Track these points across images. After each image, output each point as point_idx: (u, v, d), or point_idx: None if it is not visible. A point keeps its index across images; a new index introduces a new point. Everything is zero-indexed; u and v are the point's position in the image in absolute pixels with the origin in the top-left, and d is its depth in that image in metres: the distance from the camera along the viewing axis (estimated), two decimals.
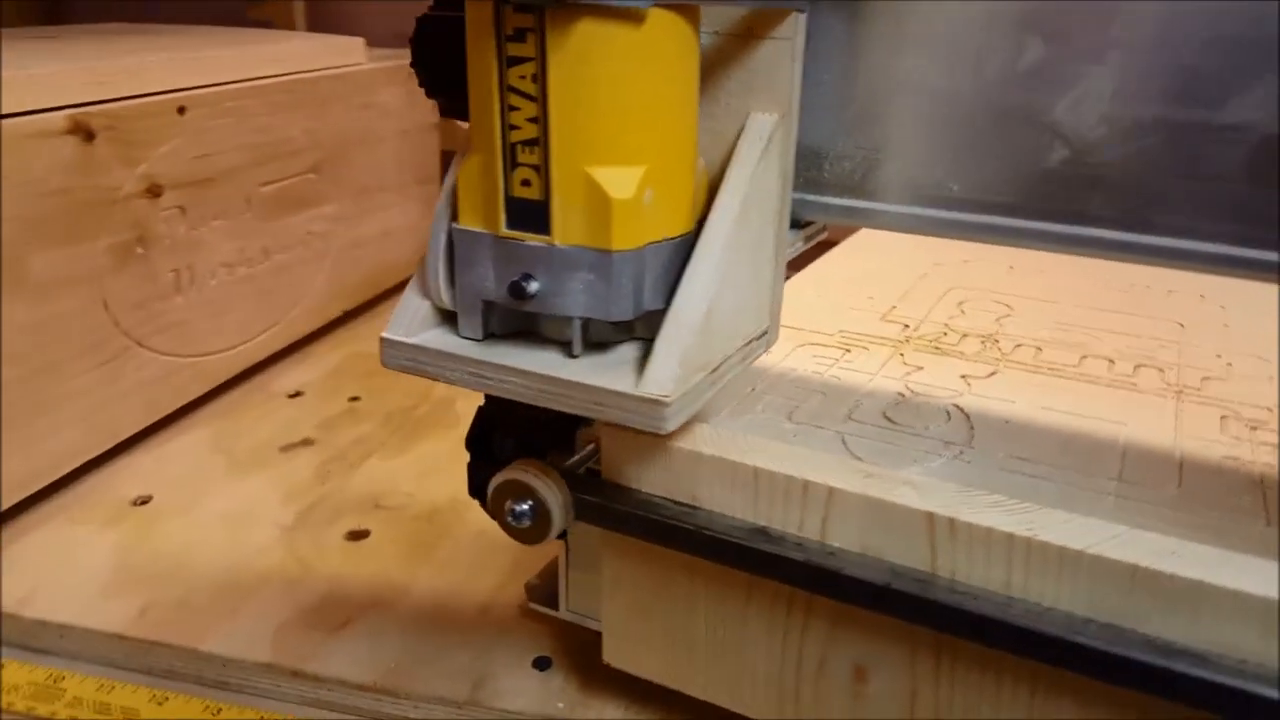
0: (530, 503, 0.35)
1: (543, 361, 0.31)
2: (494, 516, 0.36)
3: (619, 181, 0.29)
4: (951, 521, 0.30)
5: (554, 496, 0.34)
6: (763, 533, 0.33)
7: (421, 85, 0.45)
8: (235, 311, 0.64)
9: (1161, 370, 0.45)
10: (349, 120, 0.72)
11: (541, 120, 0.28)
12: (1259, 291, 0.58)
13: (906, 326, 0.50)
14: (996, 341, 0.48)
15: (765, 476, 0.33)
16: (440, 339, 0.32)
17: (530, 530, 0.35)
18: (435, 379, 0.32)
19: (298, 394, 0.67)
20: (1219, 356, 0.47)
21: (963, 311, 0.52)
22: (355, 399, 0.67)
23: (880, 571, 0.31)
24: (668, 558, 0.35)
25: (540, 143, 0.28)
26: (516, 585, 0.47)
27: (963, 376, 0.44)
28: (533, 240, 0.29)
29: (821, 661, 0.34)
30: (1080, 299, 0.55)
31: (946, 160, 0.34)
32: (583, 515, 0.35)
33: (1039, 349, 0.47)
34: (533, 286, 0.30)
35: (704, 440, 0.34)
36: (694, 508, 0.34)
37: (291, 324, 0.70)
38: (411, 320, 0.32)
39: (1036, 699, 0.31)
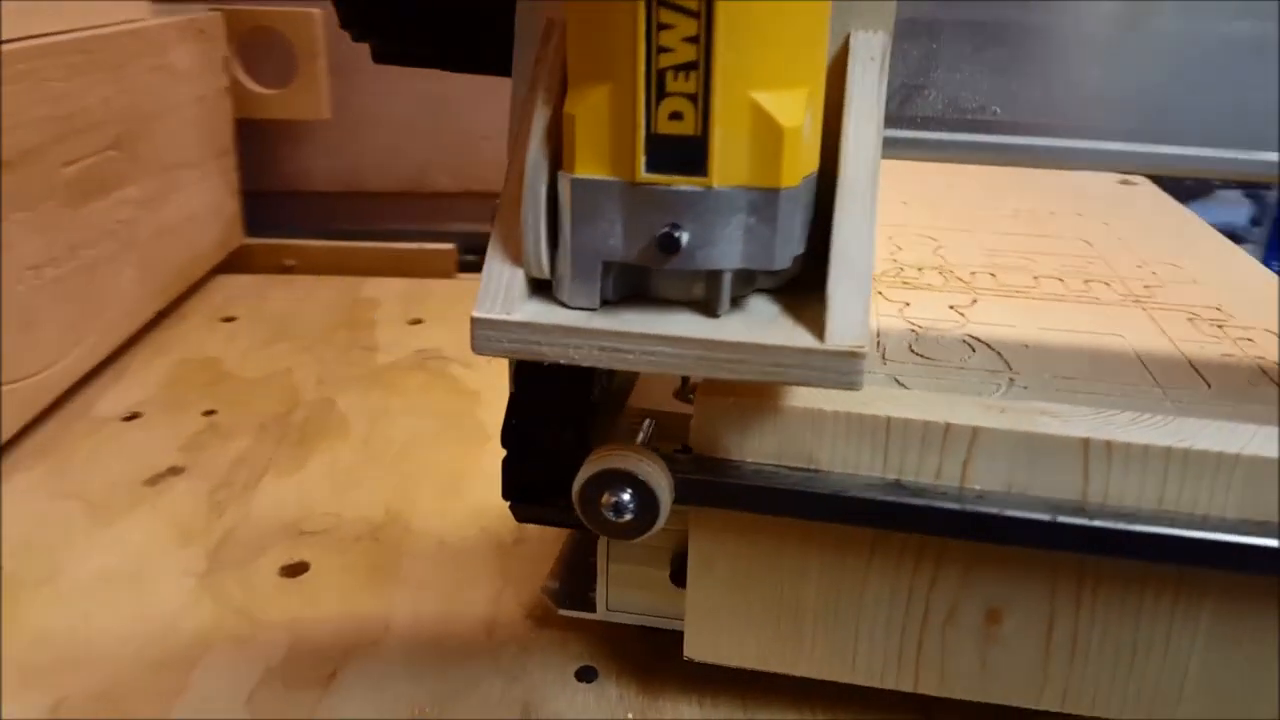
0: (631, 491, 0.30)
1: (687, 325, 0.27)
2: (583, 513, 0.31)
3: (785, 107, 0.25)
4: (1108, 444, 0.29)
5: (660, 481, 0.30)
6: (899, 486, 0.31)
7: (343, 19, 0.38)
8: (47, 323, 0.52)
9: (1107, 284, 0.48)
10: (143, 86, 0.60)
11: (702, 39, 0.24)
12: (1126, 206, 0.63)
13: None
14: (952, 272, 0.48)
15: (899, 426, 0.30)
16: (547, 313, 0.27)
17: (633, 523, 0.30)
18: (549, 359, 0.27)
19: (134, 415, 0.56)
20: (1140, 266, 0.50)
21: (899, 247, 0.52)
22: (211, 412, 0.57)
23: (1042, 507, 0.30)
24: (778, 530, 0.32)
25: (699, 66, 0.24)
26: (512, 594, 0.42)
27: (951, 307, 0.44)
28: (682, 184, 0.25)
29: (951, 610, 0.32)
30: (988, 226, 0.56)
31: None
32: (687, 496, 0.31)
33: (993, 274, 0.48)
34: (684, 238, 0.25)
35: (820, 396, 0.31)
36: (814, 470, 0.31)
37: (106, 332, 0.58)
38: (506, 294, 0.27)
39: (1178, 607, 0.31)
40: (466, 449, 0.53)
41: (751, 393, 0.31)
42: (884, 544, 0.32)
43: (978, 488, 0.30)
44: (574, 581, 0.40)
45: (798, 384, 0.26)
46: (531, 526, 0.46)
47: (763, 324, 0.27)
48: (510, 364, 0.35)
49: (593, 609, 0.38)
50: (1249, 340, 0.42)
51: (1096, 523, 0.29)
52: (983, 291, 0.46)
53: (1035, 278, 0.48)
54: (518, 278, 0.27)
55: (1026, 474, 0.30)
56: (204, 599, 0.42)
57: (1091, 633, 0.32)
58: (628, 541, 0.32)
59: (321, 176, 0.83)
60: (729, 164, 0.25)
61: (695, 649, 0.35)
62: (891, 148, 0.30)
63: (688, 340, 0.26)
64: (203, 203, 0.70)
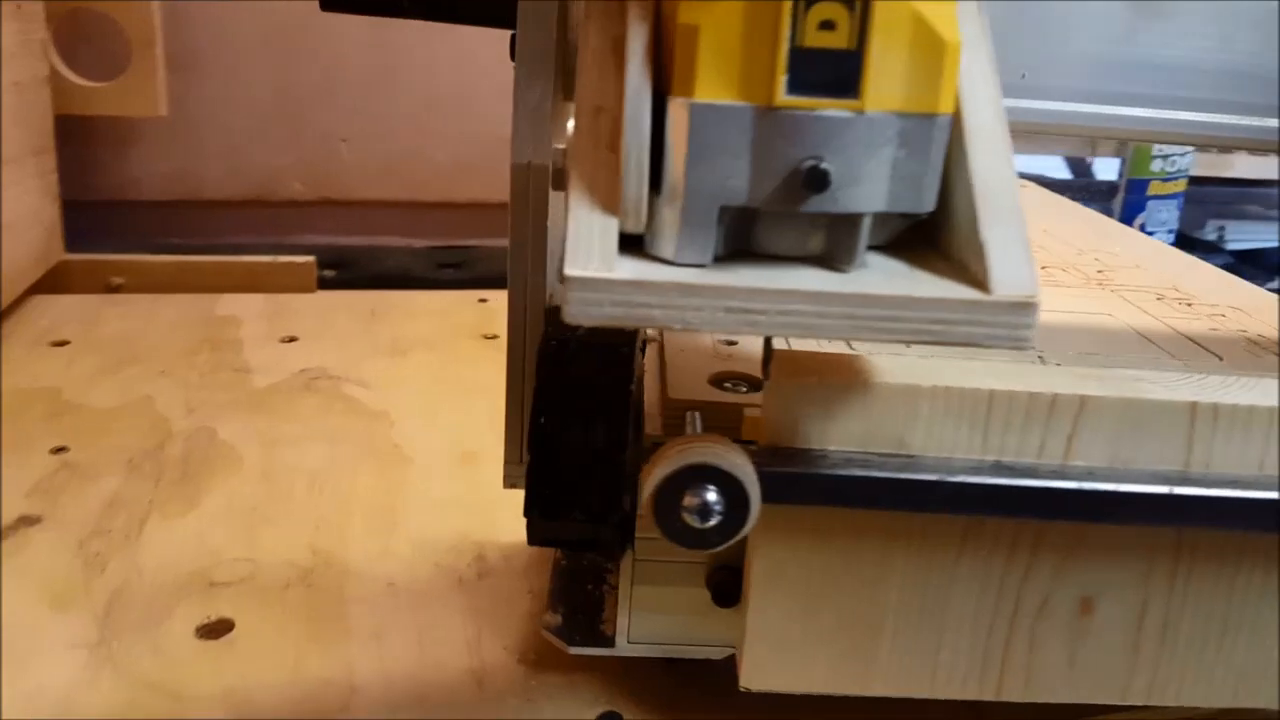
0: (718, 489, 0.25)
1: (824, 280, 0.22)
2: (659, 519, 0.26)
3: (944, 19, 0.21)
4: (1214, 407, 0.27)
5: (750, 474, 0.26)
6: (1002, 467, 0.27)
7: None
8: None
9: (1064, 269, 0.47)
10: None
11: None
12: (1027, 203, 0.64)
13: None
14: None
15: (1002, 400, 0.27)
16: (654, 270, 0.22)
17: (720, 527, 0.26)
18: (658, 325, 0.22)
19: None
20: (1081, 254, 0.50)
21: None
22: (61, 449, 0.47)
23: (1156, 479, 0.27)
24: (859, 527, 0.28)
25: None
26: (493, 636, 0.36)
27: None
28: (829, 108, 0.21)
29: (1044, 602, 0.30)
30: None
31: None
32: (773, 494, 0.27)
33: None
34: (832, 173, 0.21)
35: (916, 371, 0.27)
36: (908, 456, 0.27)
37: None
38: (602, 248, 0.22)
39: (1269, 579, 0.29)
40: (389, 476, 0.46)
41: (835, 371, 0.27)
42: (976, 534, 0.29)
43: (1081, 464, 0.28)
44: (578, 613, 0.34)
45: (959, 344, 0.22)
46: (494, 555, 0.41)
47: (902, 278, 0.23)
48: (521, 350, 0.30)
49: (609, 643, 0.33)
50: (1221, 315, 0.43)
51: (1212, 492, 0.27)
52: None
53: None
54: (611, 228, 0.22)
55: (1131, 446, 0.28)
56: (103, 673, 0.33)
57: (1183, 615, 0.30)
58: (703, 550, 0.27)
59: (154, 184, 0.73)
60: (882, 85, 0.21)
61: (754, 678, 0.31)
62: None
63: (834, 296, 0.22)
64: (17, 209, 0.59)
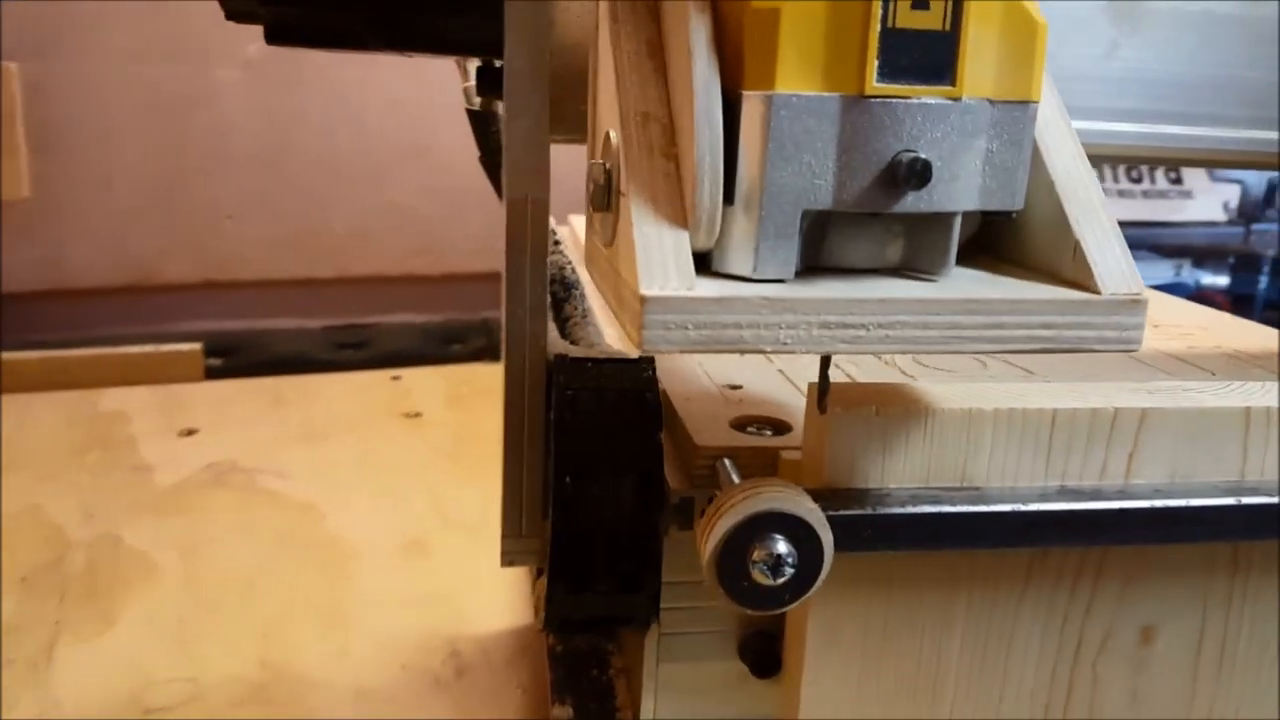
0: (787, 539, 0.23)
1: (920, 289, 0.20)
2: (721, 579, 0.23)
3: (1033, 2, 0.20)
4: (1268, 411, 0.27)
5: (821, 521, 0.23)
6: (1069, 491, 0.26)
7: None
8: None
9: None
10: None
11: None
12: None
13: None
14: None
15: (1064, 420, 0.25)
16: (735, 287, 0.19)
17: (792, 582, 0.23)
18: (749, 350, 0.19)
19: None
20: None
21: None
22: None
23: (1221, 492, 0.26)
24: (919, 572, 0.26)
25: None
26: None
27: None
28: (925, 94, 0.19)
29: (1107, 635, 0.28)
30: None
31: None
32: (838, 541, 0.24)
33: None
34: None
35: (976, 395, 0.25)
36: (974, 488, 0.25)
37: None
38: (678, 265, 0.19)
39: None
40: (333, 572, 0.42)
41: (894, 401, 0.25)
42: (1040, 568, 0.27)
43: (1143, 482, 0.26)
44: (589, 703, 0.31)
45: (1068, 349, 0.21)
46: (469, 650, 0.36)
47: (998, 285, 0.21)
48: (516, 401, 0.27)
49: None
50: (1189, 335, 0.43)
51: (1276, 500, 0.26)
52: None
53: None
54: (683, 243, 0.19)
55: (1190, 458, 0.26)
56: None
57: (1240, 635, 0.29)
58: (773, 610, 0.24)
59: (19, 273, 0.66)
60: (977, 70, 0.19)
61: None
62: None
63: (940, 304, 0.20)
64: None
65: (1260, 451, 0.27)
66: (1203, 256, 1.17)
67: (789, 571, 0.23)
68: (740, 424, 0.29)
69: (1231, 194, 1.18)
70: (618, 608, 0.27)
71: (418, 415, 0.60)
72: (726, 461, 0.27)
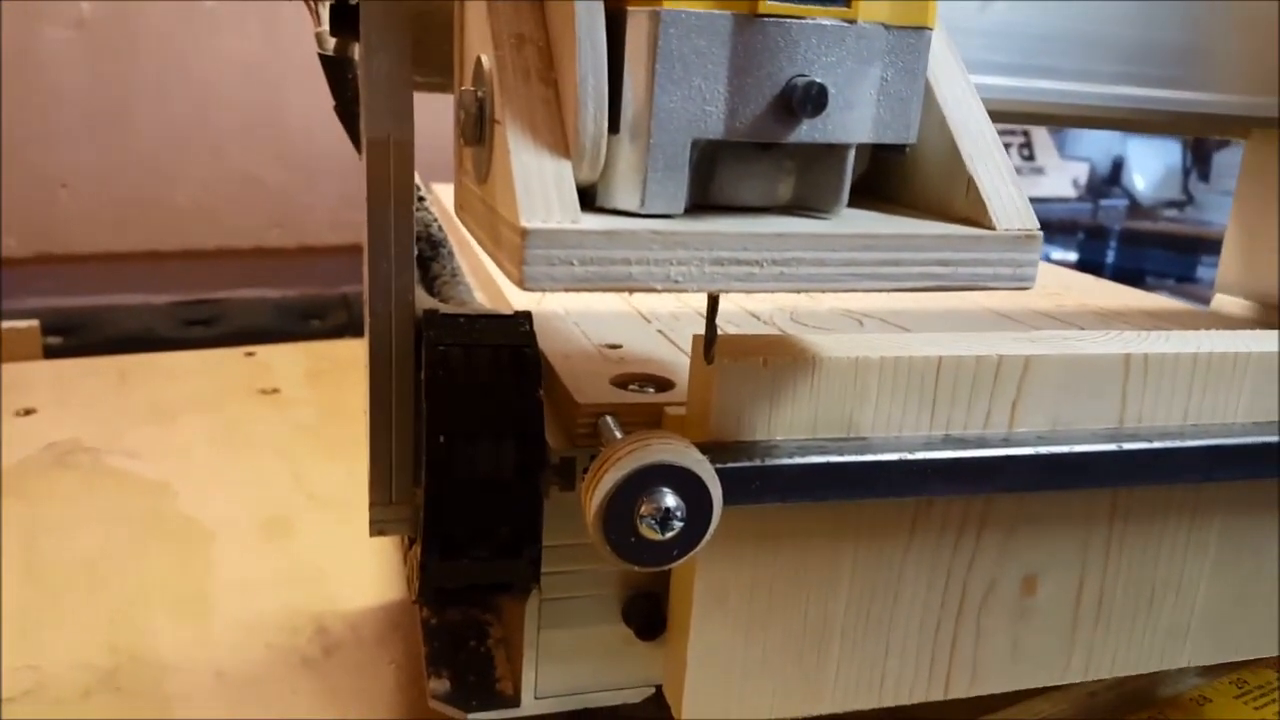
0: (676, 493, 0.22)
1: (816, 225, 0.19)
2: (607, 534, 0.21)
3: None
4: (1145, 358, 0.27)
5: (712, 474, 0.22)
6: (953, 440, 0.25)
7: None
8: None
9: None
10: None
11: None
12: None
13: None
14: None
15: (949, 367, 0.25)
16: (624, 222, 0.18)
17: (680, 537, 0.22)
18: (637, 287, 0.18)
19: None
20: None
21: None
22: None
23: (1102, 438, 0.26)
24: (806, 527, 0.25)
25: None
26: (365, 716, 0.30)
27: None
28: (820, 15, 0.18)
29: (990, 586, 0.28)
30: None
31: None
32: (727, 495, 0.23)
33: None
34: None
35: (857, 345, 0.25)
36: (860, 439, 0.25)
37: None
38: (560, 196, 0.18)
39: (1192, 534, 0.29)
40: (188, 554, 0.39)
41: (781, 351, 0.24)
42: (924, 518, 0.26)
43: (1025, 430, 0.26)
44: (467, 674, 0.29)
45: (963, 287, 0.20)
46: (337, 627, 0.34)
47: (892, 222, 0.20)
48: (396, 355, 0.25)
49: (514, 702, 0.28)
50: (1057, 294, 0.44)
51: (1156, 445, 0.26)
52: None
53: None
54: (565, 174, 0.18)
55: (1072, 406, 0.27)
56: None
57: (1117, 584, 0.29)
58: (660, 566, 0.23)
59: None
60: None
61: (697, 708, 0.26)
62: None
63: (836, 239, 0.19)
64: None
65: (1138, 398, 0.27)
66: (1054, 231, 1.22)
67: (677, 526, 0.22)
68: (621, 382, 0.28)
69: (1080, 171, 1.24)
70: (496, 574, 0.26)
71: (275, 391, 0.56)
72: (609, 419, 0.26)
